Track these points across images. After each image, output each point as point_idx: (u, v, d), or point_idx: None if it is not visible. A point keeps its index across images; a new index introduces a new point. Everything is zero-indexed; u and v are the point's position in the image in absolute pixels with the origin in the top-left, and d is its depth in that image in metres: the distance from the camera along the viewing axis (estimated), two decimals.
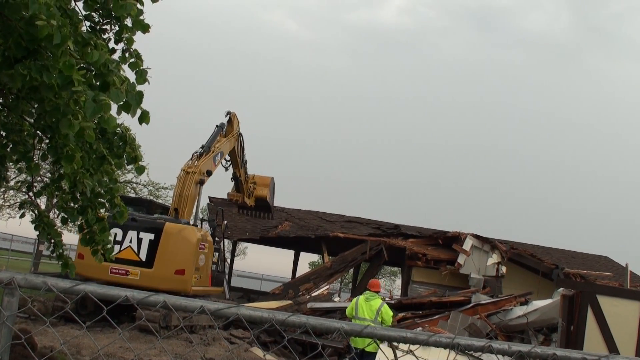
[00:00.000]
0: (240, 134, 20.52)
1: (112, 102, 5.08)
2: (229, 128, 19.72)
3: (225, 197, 23.56)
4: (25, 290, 2.71)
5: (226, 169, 20.52)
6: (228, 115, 19.74)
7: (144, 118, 5.47)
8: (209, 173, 18.01)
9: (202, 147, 18.04)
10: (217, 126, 19.19)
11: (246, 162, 21.92)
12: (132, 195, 32.37)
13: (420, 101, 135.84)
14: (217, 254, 19.26)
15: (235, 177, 21.71)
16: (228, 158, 20.20)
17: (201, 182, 17.51)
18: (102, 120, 5.17)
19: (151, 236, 15.74)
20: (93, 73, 5.28)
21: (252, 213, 25.21)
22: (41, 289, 2.59)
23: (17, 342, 2.86)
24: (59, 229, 7.77)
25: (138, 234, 15.74)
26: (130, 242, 15.64)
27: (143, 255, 15.65)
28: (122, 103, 5.15)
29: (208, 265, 17.26)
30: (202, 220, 17.69)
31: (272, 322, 2.58)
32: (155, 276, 15.33)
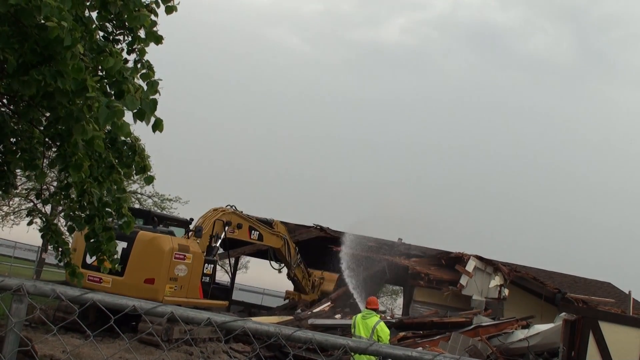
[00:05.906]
0: (288, 241, 22.10)
1: (126, 110, 5.10)
2: (274, 228, 21.38)
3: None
4: (32, 298, 2.71)
5: (279, 270, 22.74)
6: (272, 220, 21.42)
7: (158, 126, 5.48)
8: (239, 226, 19.05)
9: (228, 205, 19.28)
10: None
11: (301, 262, 23.61)
12: (137, 206, 32.31)
13: (424, 119, 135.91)
14: (213, 266, 18.96)
15: (291, 278, 23.47)
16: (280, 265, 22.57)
17: (227, 224, 18.30)
18: (116, 127, 5.17)
19: (124, 244, 15.68)
20: (106, 81, 5.31)
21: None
22: (50, 297, 2.60)
23: (22, 349, 2.85)
24: (65, 238, 7.78)
25: None
26: None
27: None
28: (136, 110, 5.18)
29: (192, 277, 16.80)
30: (187, 231, 17.66)
31: (277, 336, 2.57)
32: (125, 284, 15.34)
